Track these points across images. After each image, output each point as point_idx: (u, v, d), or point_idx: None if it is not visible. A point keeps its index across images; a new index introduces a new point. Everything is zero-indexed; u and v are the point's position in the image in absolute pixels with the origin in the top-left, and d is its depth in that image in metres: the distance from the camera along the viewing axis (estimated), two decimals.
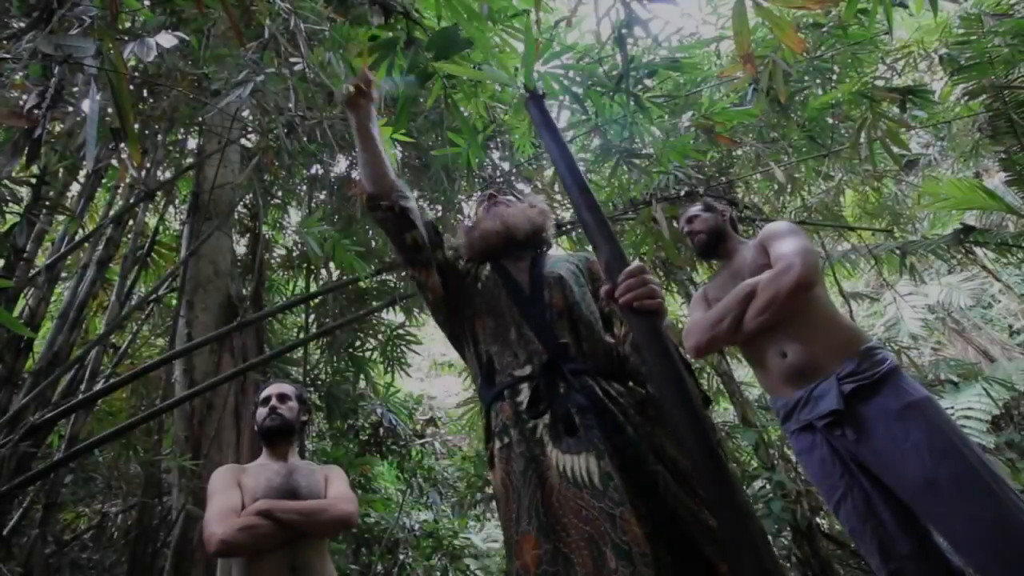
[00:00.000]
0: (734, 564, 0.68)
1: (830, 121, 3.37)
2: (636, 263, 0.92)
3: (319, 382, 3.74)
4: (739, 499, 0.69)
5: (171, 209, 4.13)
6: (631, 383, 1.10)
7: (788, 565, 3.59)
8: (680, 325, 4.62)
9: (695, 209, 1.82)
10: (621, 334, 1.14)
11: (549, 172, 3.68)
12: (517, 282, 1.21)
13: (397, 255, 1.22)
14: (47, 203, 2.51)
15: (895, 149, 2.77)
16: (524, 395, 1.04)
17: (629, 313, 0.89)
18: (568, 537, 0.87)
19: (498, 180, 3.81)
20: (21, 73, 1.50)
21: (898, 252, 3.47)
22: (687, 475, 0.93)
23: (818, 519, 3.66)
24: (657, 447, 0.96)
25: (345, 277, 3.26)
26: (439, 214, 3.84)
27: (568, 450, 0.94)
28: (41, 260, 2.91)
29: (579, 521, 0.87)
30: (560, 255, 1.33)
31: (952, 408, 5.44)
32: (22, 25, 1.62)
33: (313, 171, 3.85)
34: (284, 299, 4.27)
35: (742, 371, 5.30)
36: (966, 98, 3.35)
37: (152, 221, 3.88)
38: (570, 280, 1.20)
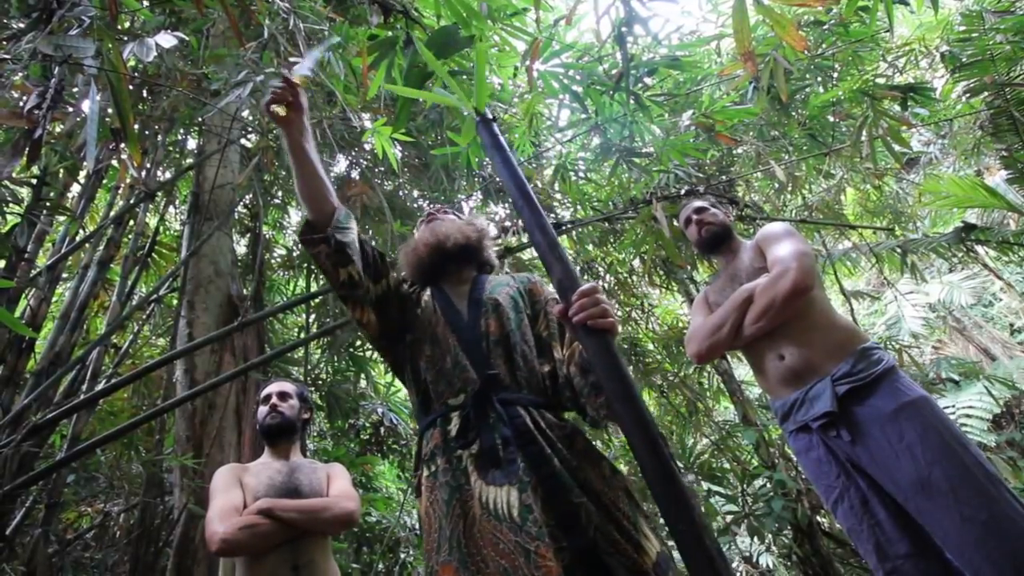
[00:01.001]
0: None
1: (831, 119, 3.37)
2: (589, 283, 0.92)
3: (320, 382, 3.74)
4: (694, 513, 0.70)
5: (171, 209, 4.13)
6: (563, 414, 1.10)
7: (789, 564, 3.59)
8: (680, 325, 4.62)
9: (704, 202, 1.80)
10: (564, 356, 1.13)
11: (549, 172, 3.68)
12: (455, 308, 1.20)
13: (332, 289, 1.18)
14: (48, 204, 2.51)
15: (896, 147, 2.76)
16: (454, 424, 1.03)
17: (582, 332, 0.89)
18: (487, 569, 0.87)
19: (497, 180, 3.81)
20: (21, 74, 1.51)
21: (899, 250, 3.47)
22: (611, 507, 0.94)
23: (818, 518, 3.66)
24: (583, 480, 0.96)
25: None
26: None
27: (492, 482, 0.94)
28: (42, 261, 2.92)
29: (496, 555, 0.87)
30: (502, 278, 1.30)
31: (953, 407, 5.44)
32: (22, 26, 1.62)
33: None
34: (285, 299, 4.27)
35: (742, 370, 5.31)
36: (967, 95, 3.34)
37: (153, 221, 3.88)
38: (507, 306, 1.19)
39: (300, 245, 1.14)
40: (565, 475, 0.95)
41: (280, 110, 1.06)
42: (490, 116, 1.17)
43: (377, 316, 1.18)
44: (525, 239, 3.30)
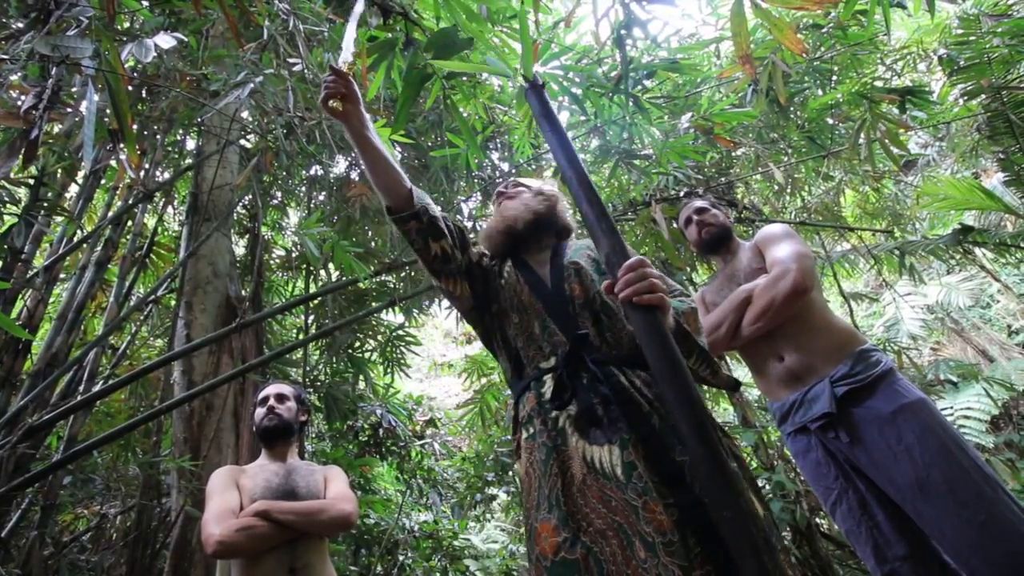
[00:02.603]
0: (738, 566, 0.67)
1: (829, 122, 3.38)
2: (636, 256, 0.91)
3: (319, 383, 3.74)
4: (740, 499, 0.68)
5: (170, 210, 4.12)
6: None
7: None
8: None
9: (704, 202, 1.80)
10: None
11: (548, 173, 3.68)
12: (538, 275, 1.21)
13: (423, 265, 1.20)
14: (45, 204, 2.51)
15: (894, 150, 2.77)
16: (548, 386, 1.04)
17: (629, 308, 0.87)
18: (591, 527, 0.87)
19: (497, 180, 3.81)
20: (19, 74, 1.50)
21: (897, 252, 3.47)
22: None
23: (817, 519, 3.66)
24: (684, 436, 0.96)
25: (344, 278, 3.25)
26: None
27: (593, 441, 0.94)
28: (39, 261, 2.91)
29: (607, 511, 0.87)
30: (581, 243, 1.30)
31: (951, 408, 5.45)
32: (20, 26, 1.62)
33: (312, 172, 3.85)
34: (283, 300, 4.26)
35: (741, 371, 5.31)
36: (965, 98, 3.35)
37: (151, 222, 3.87)
38: (589, 268, 1.19)
39: (394, 223, 1.16)
40: (666, 432, 0.94)
41: (337, 105, 1.06)
42: (540, 82, 1.16)
43: (470, 287, 1.21)
44: None
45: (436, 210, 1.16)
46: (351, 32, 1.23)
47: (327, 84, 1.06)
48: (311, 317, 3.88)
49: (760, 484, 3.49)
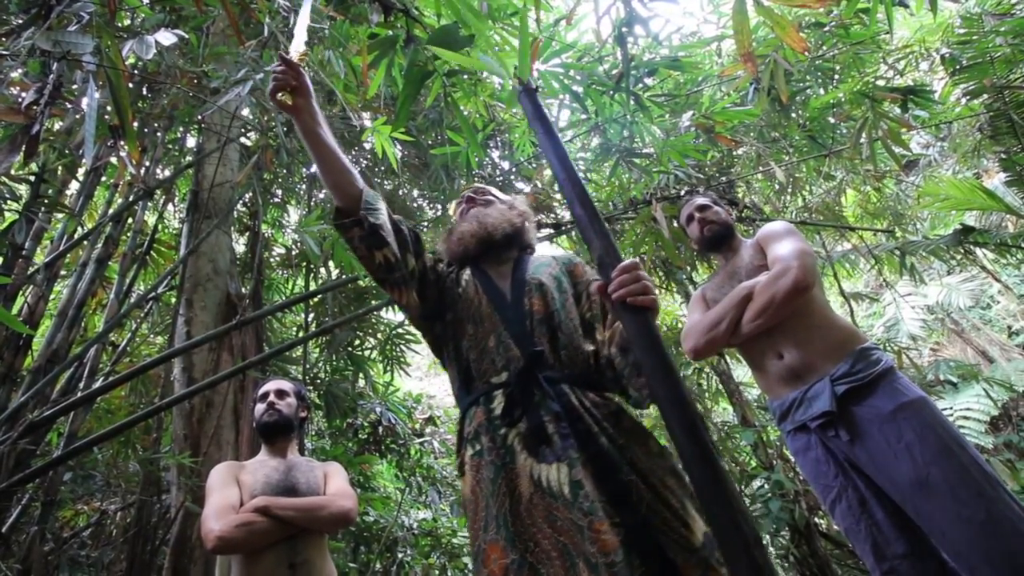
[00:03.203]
0: (728, 564, 0.67)
1: (831, 121, 3.37)
2: (629, 259, 0.92)
3: (318, 381, 3.74)
4: (731, 498, 0.68)
5: (170, 207, 4.12)
6: (607, 393, 1.09)
7: (786, 564, 3.59)
8: (679, 325, 4.62)
9: (706, 200, 1.79)
10: (606, 337, 1.11)
11: (548, 172, 3.68)
12: (498, 288, 1.19)
13: (368, 273, 1.16)
14: (46, 201, 2.51)
15: (896, 149, 2.76)
16: (498, 402, 1.02)
17: (621, 309, 0.88)
18: (537, 548, 0.86)
19: (497, 179, 3.81)
20: (20, 70, 1.50)
21: (898, 252, 3.47)
22: (659, 486, 0.93)
23: (816, 519, 3.66)
24: (631, 458, 0.95)
25: (344, 276, 3.26)
26: (438, 213, 3.84)
27: (541, 459, 0.93)
28: (40, 258, 2.91)
29: (553, 531, 0.86)
30: (543, 258, 1.29)
31: (951, 409, 5.45)
32: (21, 21, 1.62)
33: (313, 170, 3.85)
34: (283, 298, 4.27)
35: (741, 371, 5.31)
36: (967, 98, 3.35)
37: (151, 219, 3.87)
38: (551, 286, 1.18)
39: (336, 229, 1.12)
40: (614, 452, 0.94)
41: (287, 98, 1.02)
42: (533, 85, 1.15)
43: (418, 296, 1.18)
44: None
45: (382, 217, 1.11)
46: (303, 21, 1.17)
47: (276, 75, 1.01)
48: (311, 315, 3.88)
49: (759, 483, 3.49)
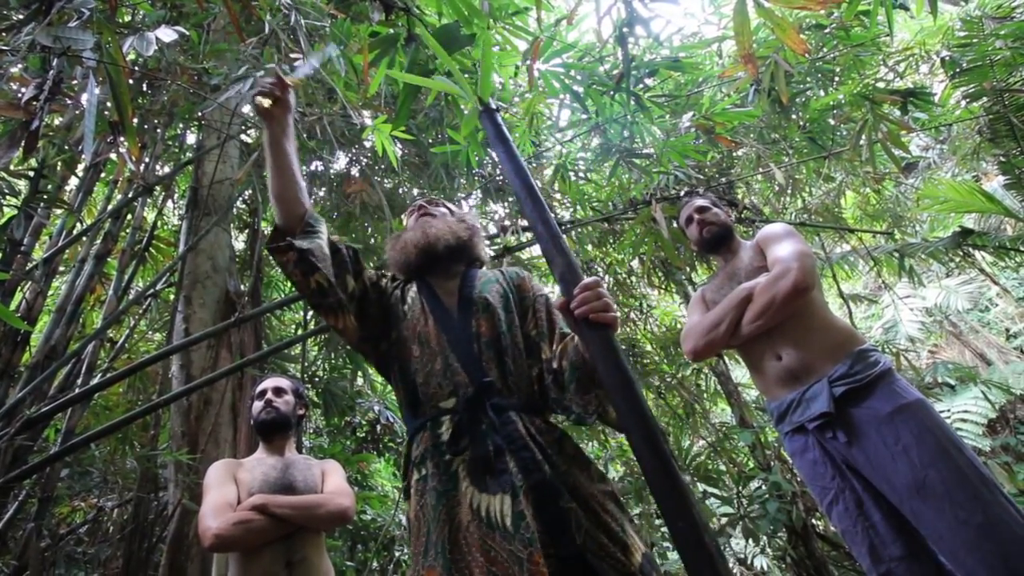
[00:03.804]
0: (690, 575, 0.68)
1: (831, 122, 3.37)
2: (591, 277, 0.92)
3: (317, 379, 3.74)
4: (693, 511, 0.69)
5: (170, 204, 4.12)
6: (551, 418, 1.10)
7: (783, 566, 3.60)
8: (678, 326, 4.63)
9: (705, 201, 1.78)
10: (555, 352, 1.10)
11: (549, 172, 3.68)
12: (444, 306, 1.17)
13: (302, 297, 1.17)
14: (45, 196, 2.50)
15: (896, 151, 2.77)
16: (445, 428, 1.02)
17: (584, 326, 0.89)
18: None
19: (497, 178, 3.81)
20: (19, 65, 1.50)
21: (897, 254, 3.48)
22: (600, 511, 0.94)
23: (813, 520, 3.67)
24: (572, 484, 0.96)
25: None
26: None
27: (484, 489, 0.93)
28: (39, 254, 2.90)
29: (487, 562, 0.86)
30: (490, 274, 1.27)
31: (948, 411, 5.46)
32: (21, 17, 1.61)
33: (312, 167, 3.85)
34: (282, 295, 4.26)
35: (739, 372, 5.32)
36: (966, 101, 3.35)
37: (150, 216, 3.87)
38: (498, 306, 1.16)
39: (271, 254, 1.11)
40: (555, 480, 0.94)
41: (265, 102, 1.05)
42: (494, 107, 1.16)
43: (357, 319, 1.15)
44: (524, 238, 3.30)
45: (317, 240, 1.09)
46: (313, 63, 1.28)
47: (265, 83, 1.05)
48: (310, 313, 3.88)
49: (757, 484, 3.50)
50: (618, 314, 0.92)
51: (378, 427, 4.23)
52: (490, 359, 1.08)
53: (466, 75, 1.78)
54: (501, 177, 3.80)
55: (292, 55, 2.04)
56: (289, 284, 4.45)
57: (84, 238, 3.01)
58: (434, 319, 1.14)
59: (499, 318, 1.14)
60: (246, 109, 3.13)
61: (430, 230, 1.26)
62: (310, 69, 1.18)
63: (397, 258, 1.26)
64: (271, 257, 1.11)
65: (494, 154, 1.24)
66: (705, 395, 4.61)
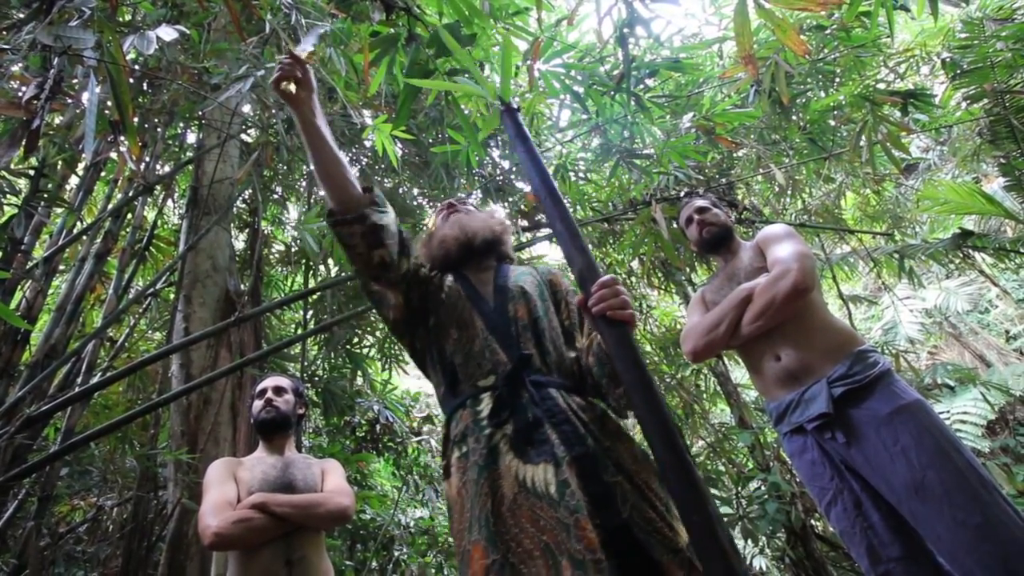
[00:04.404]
0: (704, 570, 0.68)
1: (831, 124, 3.38)
2: (609, 275, 0.94)
3: (316, 378, 3.74)
4: (708, 506, 0.70)
5: (170, 203, 4.12)
6: (591, 398, 1.11)
7: (782, 566, 3.60)
8: (678, 326, 4.63)
9: (705, 202, 1.79)
10: (584, 346, 1.13)
11: (549, 171, 3.68)
12: (480, 293, 1.19)
13: (360, 273, 1.16)
14: (45, 195, 2.50)
15: (896, 152, 2.77)
16: (485, 404, 1.03)
17: (601, 323, 0.90)
18: (519, 548, 0.86)
19: (497, 178, 3.81)
20: (20, 64, 1.50)
21: (897, 256, 3.48)
22: (644, 487, 0.94)
23: (812, 521, 3.67)
24: (616, 459, 0.96)
25: (344, 274, 3.25)
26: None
27: (527, 460, 0.94)
28: (39, 252, 2.90)
29: (536, 530, 0.87)
30: (523, 268, 1.31)
31: (948, 412, 5.46)
32: (21, 16, 1.62)
33: (312, 167, 3.84)
34: (282, 295, 4.26)
35: (739, 372, 5.31)
36: (967, 102, 3.35)
37: (151, 215, 3.87)
38: (534, 294, 1.19)
39: (332, 228, 1.10)
40: (599, 454, 0.95)
41: (291, 87, 1.04)
42: (515, 106, 1.17)
43: (403, 298, 1.18)
44: (524, 238, 3.30)
45: (387, 217, 1.12)
46: (314, 34, 1.25)
47: (282, 66, 1.03)
48: (310, 312, 3.88)
49: (756, 485, 3.50)
50: (636, 312, 0.93)
51: (377, 427, 4.23)
52: (528, 340, 1.10)
53: (466, 75, 1.78)
54: (501, 177, 3.80)
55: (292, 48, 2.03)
56: (289, 284, 4.45)
57: (84, 237, 3.01)
58: (471, 304, 1.17)
59: (535, 304, 1.17)
60: (246, 108, 3.13)
61: (468, 225, 1.29)
62: (315, 38, 1.18)
63: (436, 253, 1.29)
64: (334, 230, 1.11)
65: (513, 152, 1.26)
66: (704, 396, 4.61)
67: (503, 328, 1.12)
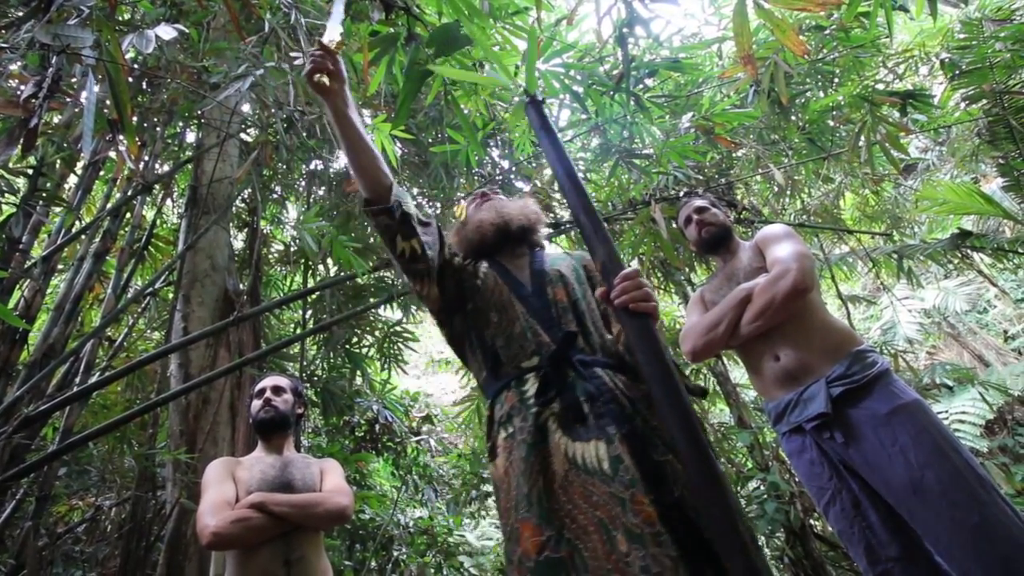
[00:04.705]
0: (724, 563, 0.68)
1: (830, 124, 3.38)
2: (632, 267, 0.94)
3: (315, 378, 3.73)
4: (729, 499, 0.70)
5: (169, 202, 4.11)
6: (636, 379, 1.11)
7: (781, 566, 3.61)
8: (678, 326, 4.63)
9: (704, 201, 1.79)
10: (616, 333, 1.14)
11: (548, 172, 3.68)
12: (516, 278, 1.20)
13: (393, 263, 1.18)
14: (44, 194, 2.50)
15: (895, 153, 2.77)
16: (530, 385, 1.03)
17: (624, 315, 0.91)
18: (574, 523, 0.86)
19: (497, 178, 3.81)
20: (19, 63, 1.50)
21: (895, 256, 3.48)
22: None
23: (811, 520, 3.67)
24: (664, 438, 0.96)
25: (343, 273, 3.25)
26: (438, 211, 3.84)
27: (577, 437, 0.94)
28: (37, 252, 2.90)
29: (589, 506, 0.86)
30: (557, 254, 1.32)
31: (946, 412, 5.46)
32: (20, 14, 1.61)
33: (312, 166, 3.85)
34: (281, 294, 4.26)
35: (738, 372, 5.32)
36: (966, 103, 3.36)
37: (149, 214, 3.86)
38: (571, 277, 1.21)
39: (368, 216, 1.14)
40: (648, 432, 0.95)
41: (324, 79, 1.04)
42: (540, 97, 1.19)
43: (439, 288, 1.19)
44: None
45: (412, 208, 1.14)
46: (338, 11, 1.20)
47: (314, 58, 1.03)
48: (309, 312, 3.87)
49: (755, 485, 3.50)
50: (658, 303, 0.93)
51: (377, 426, 4.23)
52: (569, 322, 1.11)
53: (489, 66, 1.78)
54: (500, 177, 3.80)
55: (292, 54, 2.03)
56: (288, 283, 4.45)
57: (83, 236, 3.00)
58: (509, 289, 1.18)
59: (573, 287, 1.18)
60: (245, 108, 3.12)
61: (505, 210, 1.30)
62: (339, 25, 1.15)
63: (471, 238, 1.29)
64: (368, 219, 1.13)
65: (539, 144, 1.27)
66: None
67: (543, 310, 1.12)
